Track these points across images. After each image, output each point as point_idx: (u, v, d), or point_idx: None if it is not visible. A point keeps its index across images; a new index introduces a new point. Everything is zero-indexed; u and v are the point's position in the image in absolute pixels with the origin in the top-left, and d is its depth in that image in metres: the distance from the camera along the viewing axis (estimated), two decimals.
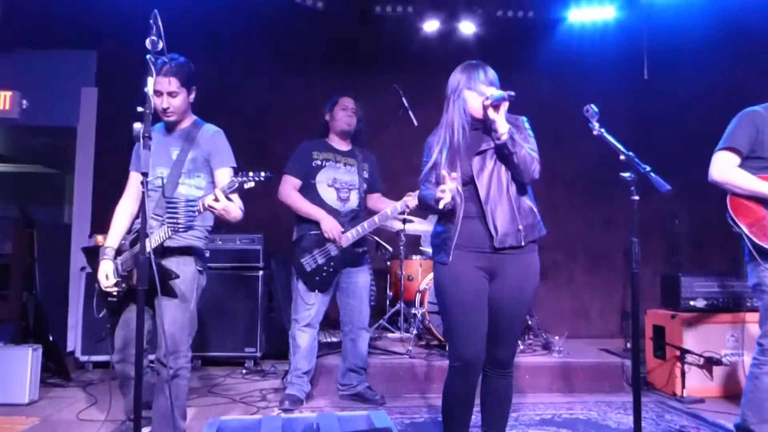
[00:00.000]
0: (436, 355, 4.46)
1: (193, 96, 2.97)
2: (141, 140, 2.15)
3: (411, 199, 3.67)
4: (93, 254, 2.99)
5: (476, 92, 2.55)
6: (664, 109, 5.66)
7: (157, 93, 2.83)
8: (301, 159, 3.88)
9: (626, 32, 5.66)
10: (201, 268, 2.95)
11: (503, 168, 2.56)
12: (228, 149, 3.00)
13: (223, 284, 4.96)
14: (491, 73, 2.60)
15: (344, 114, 3.92)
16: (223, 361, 4.94)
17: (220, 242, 5.03)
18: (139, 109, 2.22)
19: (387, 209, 3.79)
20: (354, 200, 3.89)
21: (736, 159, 2.95)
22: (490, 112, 2.49)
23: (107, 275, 2.85)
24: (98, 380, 4.52)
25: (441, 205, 2.39)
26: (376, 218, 3.78)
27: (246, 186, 2.60)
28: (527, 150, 2.52)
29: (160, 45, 2.40)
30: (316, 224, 3.77)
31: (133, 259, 2.82)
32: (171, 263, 2.81)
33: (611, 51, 5.63)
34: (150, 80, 2.28)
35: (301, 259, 3.79)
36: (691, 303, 4.25)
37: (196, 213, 2.61)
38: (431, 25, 5.69)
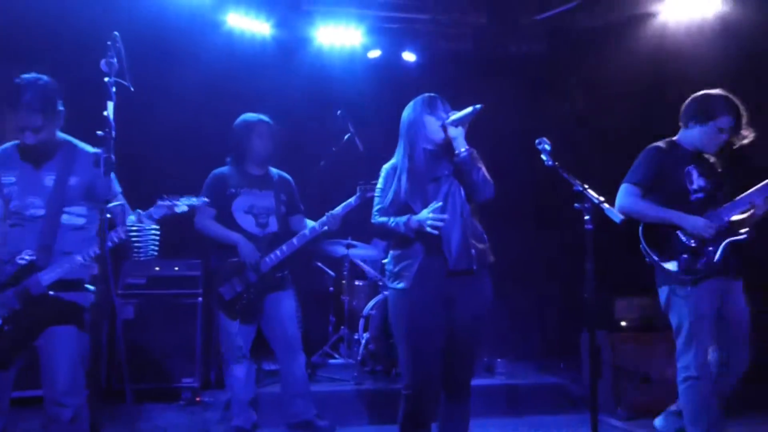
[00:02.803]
0: (382, 381, 4.46)
1: (61, 118, 2.68)
2: (102, 166, 2.07)
3: (329, 219, 3.67)
4: None
5: (435, 117, 2.66)
6: (589, 139, 5.96)
7: (21, 128, 2.55)
8: (215, 188, 3.75)
9: (556, 65, 5.95)
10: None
11: (457, 193, 2.66)
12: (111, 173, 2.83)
13: (160, 312, 4.76)
14: (448, 106, 2.74)
15: (260, 142, 3.80)
16: (158, 394, 4.72)
17: (158, 268, 4.85)
18: (99, 133, 2.14)
19: (305, 230, 3.74)
20: (273, 225, 3.80)
21: (638, 191, 3.13)
22: (451, 130, 2.60)
23: None
24: None
25: (436, 231, 2.50)
26: (294, 240, 3.72)
27: (178, 210, 2.57)
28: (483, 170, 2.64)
29: (116, 67, 2.34)
30: (233, 251, 3.66)
31: (20, 297, 2.54)
32: (68, 295, 2.60)
33: (542, 82, 5.90)
34: (110, 104, 2.21)
35: (220, 287, 3.67)
36: (624, 323, 4.49)
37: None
38: (374, 53, 5.80)
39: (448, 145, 2.66)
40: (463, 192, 2.66)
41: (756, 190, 3.04)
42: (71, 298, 2.58)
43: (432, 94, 2.76)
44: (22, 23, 4.59)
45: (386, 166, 2.83)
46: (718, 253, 2.98)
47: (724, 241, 2.99)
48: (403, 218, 2.62)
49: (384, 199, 2.76)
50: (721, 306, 3.05)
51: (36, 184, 2.65)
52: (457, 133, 2.61)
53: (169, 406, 4.58)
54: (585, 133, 5.81)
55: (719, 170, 3.17)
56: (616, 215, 2.32)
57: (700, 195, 3.07)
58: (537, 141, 2.64)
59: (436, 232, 2.52)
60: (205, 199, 2.68)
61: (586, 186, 2.39)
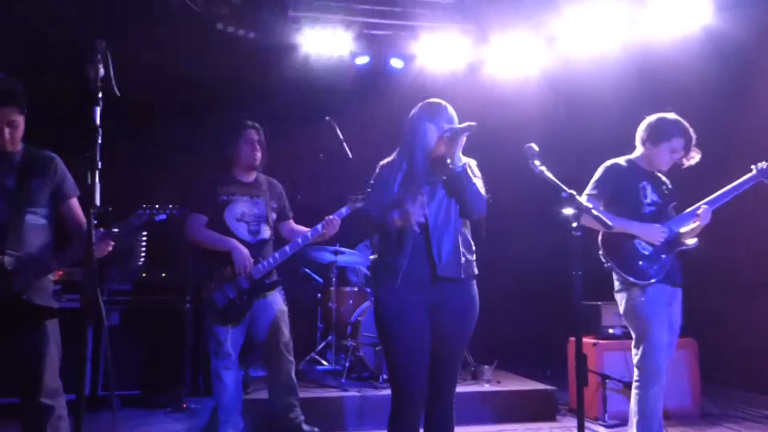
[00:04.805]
0: (369, 387, 4.45)
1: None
2: (89, 172, 2.06)
3: (323, 227, 3.71)
4: None
5: (435, 126, 2.64)
6: (577, 144, 6.02)
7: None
8: (206, 195, 3.74)
9: (546, 75, 6.01)
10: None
11: (452, 202, 2.65)
12: (71, 177, 2.79)
13: (147, 318, 4.74)
14: (452, 111, 2.71)
15: (250, 149, 3.79)
16: (144, 401, 4.68)
17: (144, 275, 4.82)
18: (85, 139, 2.13)
19: (298, 238, 3.76)
20: (264, 231, 3.80)
21: (598, 203, 3.30)
22: (449, 144, 2.58)
23: None
24: None
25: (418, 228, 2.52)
26: (287, 248, 3.73)
27: (157, 219, 2.58)
28: (478, 186, 2.63)
29: (102, 72, 2.33)
30: (224, 258, 3.64)
31: None
32: (40, 299, 2.59)
33: (532, 92, 5.95)
34: (96, 110, 2.20)
35: (212, 294, 3.65)
36: (611, 331, 4.52)
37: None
38: (362, 60, 5.83)
39: (445, 154, 2.64)
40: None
41: (703, 203, 3.26)
42: (43, 302, 2.57)
43: (436, 101, 2.73)
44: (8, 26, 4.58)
45: (383, 163, 2.81)
46: (670, 260, 3.19)
47: (674, 250, 3.22)
48: (390, 211, 2.58)
49: (375, 193, 2.75)
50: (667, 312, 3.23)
51: None
52: (453, 148, 2.58)
53: (155, 412, 4.55)
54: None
55: (669, 187, 3.40)
56: (605, 221, 2.34)
57: (652, 208, 3.27)
58: (525, 147, 2.65)
59: (418, 228, 2.52)
60: (185, 209, 2.67)
61: (574, 192, 2.40)
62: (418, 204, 2.53)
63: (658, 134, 3.29)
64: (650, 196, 3.30)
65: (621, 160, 3.41)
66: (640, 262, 3.19)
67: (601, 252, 3.31)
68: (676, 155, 3.31)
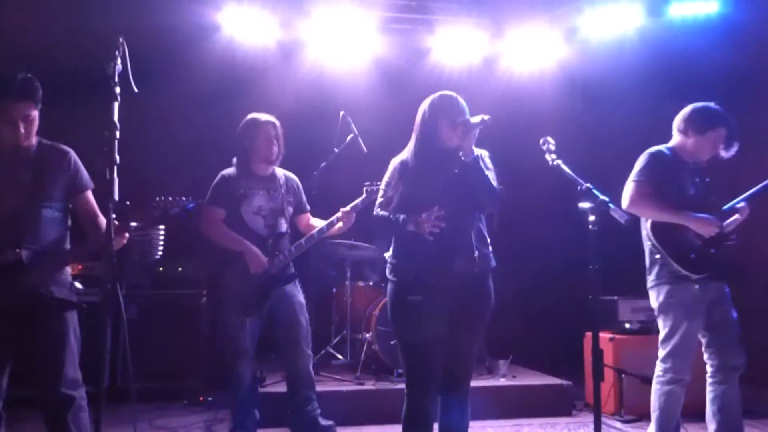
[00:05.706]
0: (384, 381, 4.47)
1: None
2: (109, 166, 2.08)
3: (339, 219, 3.72)
4: None
5: (448, 119, 2.63)
6: (595, 138, 5.97)
7: (7, 121, 2.48)
8: (224, 189, 3.74)
9: (563, 68, 5.96)
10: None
11: (464, 195, 2.65)
12: (85, 170, 2.78)
13: (164, 312, 4.79)
14: (463, 103, 2.70)
15: (267, 143, 3.78)
16: (162, 393, 4.73)
17: (162, 269, 4.86)
18: (105, 133, 2.16)
19: (314, 231, 3.78)
20: (281, 225, 3.81)
21: (648, 190, 3.13)
22: (461, 137, 2.57)
23: None
24: None
25: (431, 237, 2.51)
26: (303, 241, 3.76)
27: (171, 213, 2.59)
28: (490, 178, 2.62)
29: (121, 69, 2.35)
30: (240, 252, 3.66)
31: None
32: (60, 292, 2.62)
33: (549, 84, 5.91)
34: (114, 105, 2.22)
35: (228, 289, 3.68)
36: (627, 325, 4.48)
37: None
38: (377, 54, 5.81)
39: (457, 147, 2.64)
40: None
41: (743, 198, 3.14)
42: (61, 295, 2.60)
43: (447, 93, 2.73)
44: (25, 26, 4.62)
45: (395, 160, 2.81)
46: (719, 255, 3.06)
47: (722, 244, 3.08)
48: (403, 216, 2.62)
49: (388, 193, 2.75)
50: (713, 310, 3.10)
51: (7, 179, 2.60)
52: (466, 140, 2.58)
53: (173, 405, 4.60)
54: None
55: (707, 180, 3.25)
56: (622, 215, 2.32)
57: (696, 201, 3.13)
58: (541, 141, 2.63)
59: (431, 238, 2.52)
60: (194, 203, 2.68)
61: (590, 185, 2.38)
62: (432, 214, 2.52)
63: (703, 123, 3.14)
64: (691, 188, 3.17)
65: (663, 148, 3.25)
66: (692, 255, 3.04)
67: (650, 242, 3.15)
68: (718, 146, 3.17)
